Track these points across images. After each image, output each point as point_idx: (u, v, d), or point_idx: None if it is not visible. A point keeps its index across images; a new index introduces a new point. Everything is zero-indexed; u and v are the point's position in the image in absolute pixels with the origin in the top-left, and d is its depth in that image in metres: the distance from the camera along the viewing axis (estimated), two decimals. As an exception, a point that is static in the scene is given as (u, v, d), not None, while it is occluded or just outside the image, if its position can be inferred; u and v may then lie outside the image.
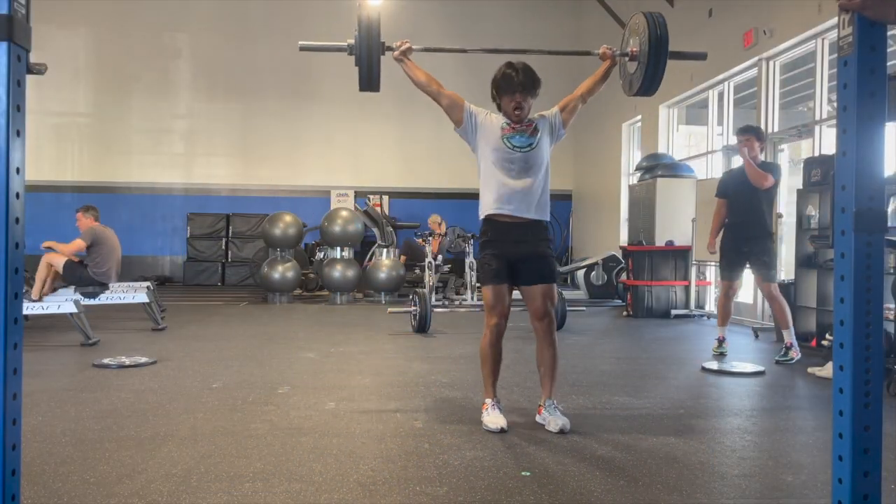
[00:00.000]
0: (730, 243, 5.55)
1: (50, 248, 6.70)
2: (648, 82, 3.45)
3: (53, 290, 6.90)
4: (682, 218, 8.71)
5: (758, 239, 5.42)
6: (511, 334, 6.98)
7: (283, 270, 9.96)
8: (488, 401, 3.54)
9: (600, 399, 4.14)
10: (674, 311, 8.63)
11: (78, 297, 6.46)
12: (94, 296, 6.73)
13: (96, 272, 6.79)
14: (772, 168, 5.54)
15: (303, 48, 3.43)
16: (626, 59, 3.62)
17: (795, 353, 5.37)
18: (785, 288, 6.61)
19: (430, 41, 16.94)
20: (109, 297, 6.92)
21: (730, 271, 5.57)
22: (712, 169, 9.40)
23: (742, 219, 5.48)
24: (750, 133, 5.46)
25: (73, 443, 3.14)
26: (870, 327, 1.41)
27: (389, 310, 7.84)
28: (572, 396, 4.20)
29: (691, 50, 3.74)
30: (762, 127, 7.97)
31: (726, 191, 5.68)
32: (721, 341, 5.68)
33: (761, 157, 5.57)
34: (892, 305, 4.76)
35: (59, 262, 6.69)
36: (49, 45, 12.99)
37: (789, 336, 5.41)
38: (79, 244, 6.77)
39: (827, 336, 5.57)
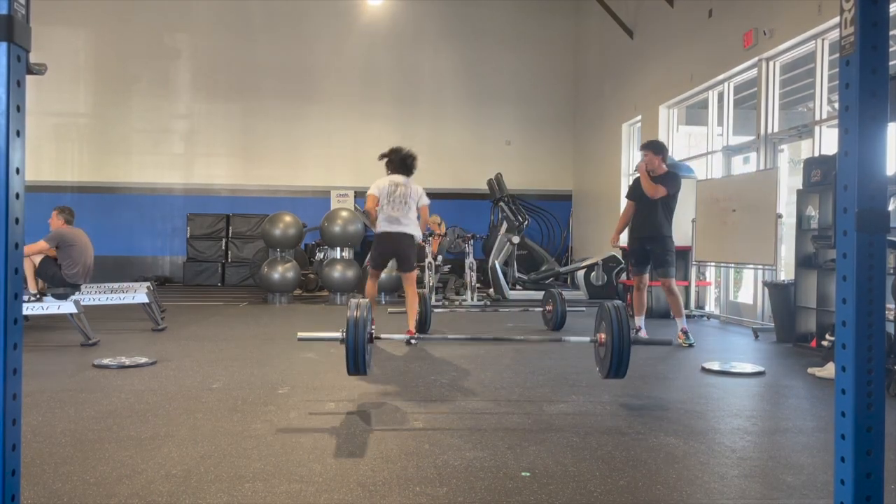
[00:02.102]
0: (636, 243, 6.44)
1: None
2: (615, 368, 3.90)
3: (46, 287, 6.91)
4: (681, 218, 8.68)
5: (656, 240, 6.26)
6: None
7: (283, 271, 9.95)
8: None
9: (600, 399, 4.14)
10: (674, 312, 8.62)
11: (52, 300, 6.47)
12: (64, 297, 6.61)
13: (67, 273, 6.78)
14: (669, 179, 6.26)
15: (301, 339, 4.05)
16: (596, 344, 4.17)
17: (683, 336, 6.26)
18: (785, 288, 6.62)
19: (429, 41, 16.94)
20: (110, 298, 6.91)
21: (637, 267, 6.46)
22: (712, 169, 9.40)
23: (642, 222, 6.34)
24: (646, 148, 6.41)
25: (73, 443, 3.14)
26: (872, 328, 1.41)
27: (389, 310, 7.84)
28: (572, 397, 4.20)
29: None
30: (761, 127, 7.99)
31: (633, 195, 6.55)
32: (636, 331, 6.39)
33: (664, 167, 6.38)
34: (891, 305, 4.76)
35: (36, 257, 6.67)
36: (49, 45, 12.99)
37: (682, 323, 6.31)
38: (40, 246, 6.71)
39: (827, 336, 5.57)
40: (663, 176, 6.31)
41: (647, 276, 6.47)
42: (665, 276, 6.26)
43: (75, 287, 6.87)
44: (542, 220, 14.00)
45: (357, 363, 3.80)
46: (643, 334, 6.43)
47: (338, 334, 3.86)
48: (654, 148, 6.40)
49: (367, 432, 3.38)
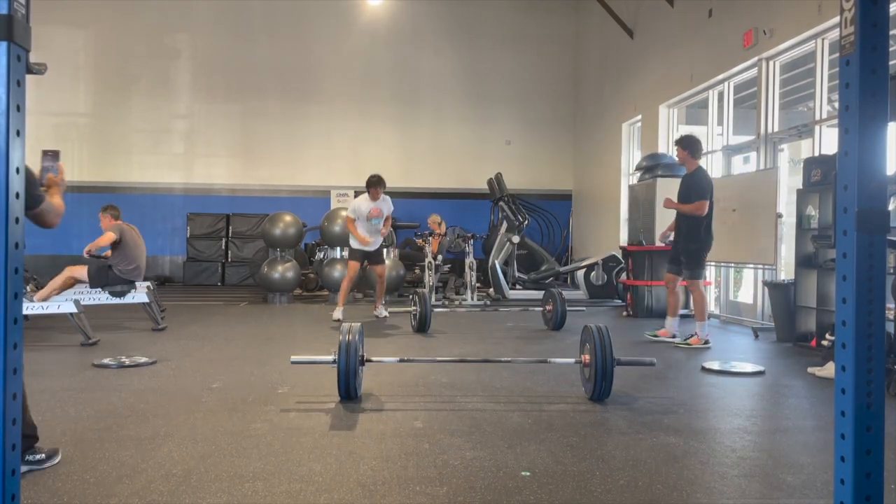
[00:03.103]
0: (672, 244, 6.62)
1: (91, 254, 6.73)
2: (599, 388, 3.97)
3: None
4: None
5: (683, 241, 6.38)
6: (511, 335, 6.99)
7: (282, 270, 9.95)
8: (339, 308, 7.74)
9: (600, 398, 4.13)
10: (674, 311, 8.61)
11: (106, 295, 6.75)
12: (122, 294, 6.78)
13: (123, 270, 6.76)
14: (696, 187, 6.26)
15: (294, 362, 4.17)
16: (581, 365, 4.24)
17: (696, 341, 6.21)
18: (785, 288, 6.62)
19: (429, 41, 16.91)
20: (109, 298, 6.91)
21: (668, 264, 6.64)
22: (712, 169, 9.38)
23: (678, 224, 6.48)
24: (678, 144, 6.55)
25: (73, 443, 3.14)
26: (872, 328, 1.41)
27: (389, 310, 7.83)
28: (573, 396, 4.20)
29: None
30: (761, 127, 7.99)
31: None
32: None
33: (696, 163, 6.43)
34: (891, 305, 4.76)
35: (82, 273, 6.69)
36: (49, 45, 12.98)
37: (699, 328, 6.27)
38: (110, 236, 6.75)
39: (827, 336, 5.57)
40: (691, 176, 6.41)
41: (676, 277, 6.53)
42: (686, 278, 6.41)
43: (132, 284, 6.89)
44: (542, 220, 13.99)
45: (349, 388, 3.93)
46: (672, 332, 6.56)
47: (330, 357, 3.96)
48: (684, 144, 6.48)
49: (367, 432, 3.38)
